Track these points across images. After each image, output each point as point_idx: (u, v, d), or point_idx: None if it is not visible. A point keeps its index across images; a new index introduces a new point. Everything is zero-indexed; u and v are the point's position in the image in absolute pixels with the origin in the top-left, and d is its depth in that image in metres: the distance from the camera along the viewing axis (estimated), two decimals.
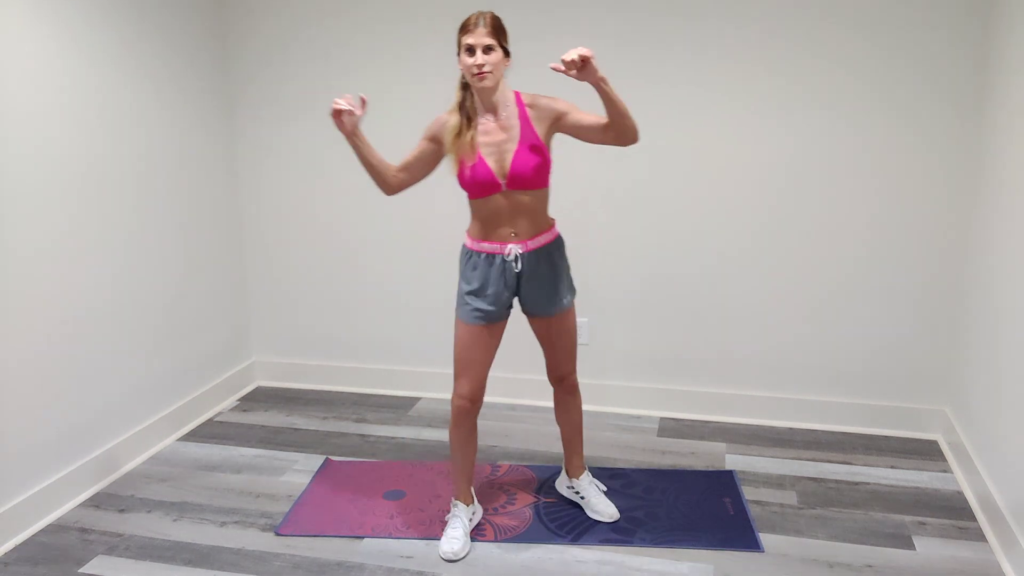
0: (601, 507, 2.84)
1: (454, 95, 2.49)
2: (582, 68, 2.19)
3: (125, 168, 3.24)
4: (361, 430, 3.65)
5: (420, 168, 2.57)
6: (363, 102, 2.43)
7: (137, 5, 3.26)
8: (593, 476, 3.05)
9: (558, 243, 2.63)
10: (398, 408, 3.87)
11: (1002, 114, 2.91)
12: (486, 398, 3.89)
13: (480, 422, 3.65)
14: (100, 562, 2.68)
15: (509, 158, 2.41)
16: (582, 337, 3.74)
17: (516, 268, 2.51)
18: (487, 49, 2.32)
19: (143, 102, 3.32)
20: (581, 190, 3.59)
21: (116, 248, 3.22)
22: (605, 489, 2.97)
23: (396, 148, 2.72)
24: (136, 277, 3.34)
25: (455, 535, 2.67)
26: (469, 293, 2.56)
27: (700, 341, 3.63)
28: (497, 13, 2.42)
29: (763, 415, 3.63)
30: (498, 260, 2.51)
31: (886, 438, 3.47)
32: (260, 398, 4.04)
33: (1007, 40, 2.89)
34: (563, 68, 2.20)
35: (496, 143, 2.42)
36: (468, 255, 2.57)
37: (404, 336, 3.93)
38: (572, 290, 2.69)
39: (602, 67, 3.38)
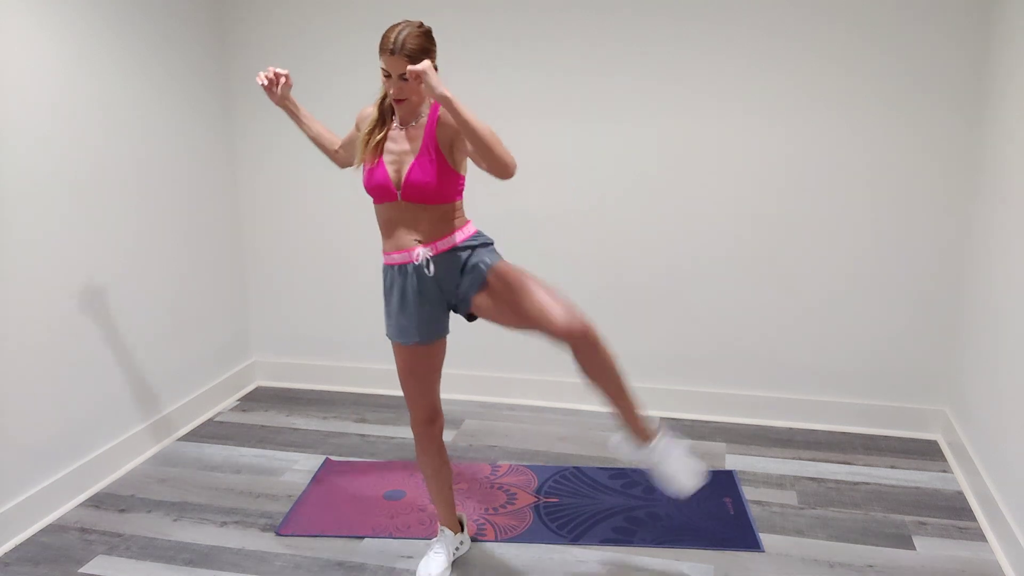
0: (678, 478, 2.33)
1: (379, 90, 2.35)
2: (420, 84, 2.09)
3: (125, 169, 3.24)
4: (361, 430, 3.65)
5: (352, 151, 2.51)
6: (286, 78, 2.45)
7: (137, 6, 3.26)
8: (597, 484, 3.04)
9: (475, 239, 2.36)
10: (398, 408, 3.87)
11: (1002, 114, 2.91)
12: (486, 398, 3.91)
13: (480, 422, 3.67)
14: (100, 562, 2.68)
15: (406, 168, 2.28)
16: None
17: (429, 272, 2.31)
18: (403, 76, 2.16)
19: (143, 102, 3.32)
20: (581, 190, 3.59)
21: (116, 248, 3.22)
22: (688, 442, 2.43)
23: None
24: (136, 277, 3.34)
25: (437, 561, 2.54)
26: (394, 312, 2.40)
27: (700, 341, 3.63)
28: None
29: (763, 415, 3.63)
30: (409, 268, 2.33)
31: (886, 438, 3.47)
32: (260, 398, 4.04)
33: (1007, 40, 2.89)
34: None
35: (400, 152, 2.30)
36: (385, 273, 2.41)
37: None
38: (495, 258, 2.35)
39: (600, 67, 3.44)
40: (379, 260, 3.88)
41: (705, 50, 3.33)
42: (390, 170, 2.30)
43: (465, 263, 2.35)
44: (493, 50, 3.52)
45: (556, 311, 2.22)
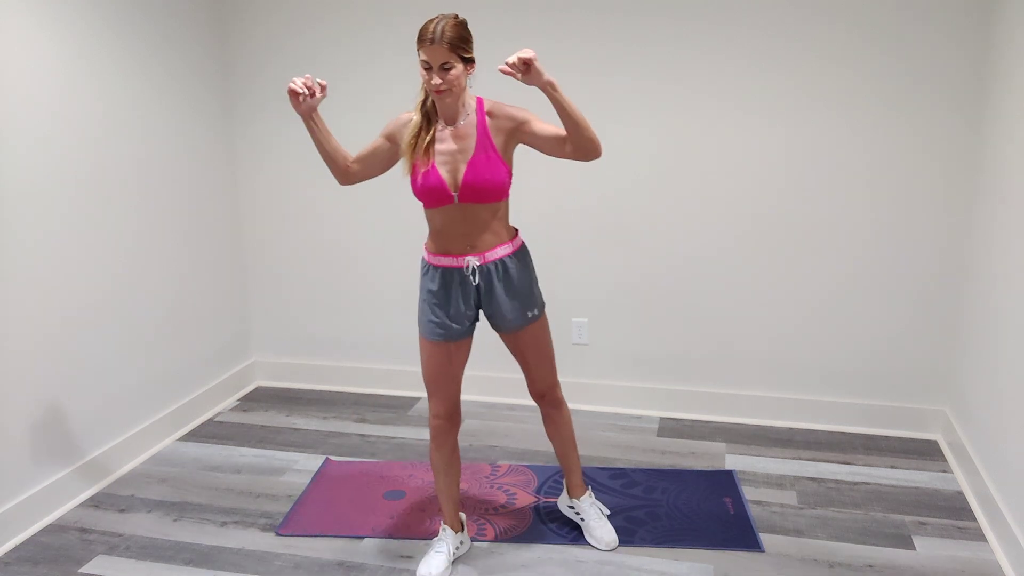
0: (600, 533, 2.70)
1: (418, 94, 2.36)
2: (525, 72, 2.10)
3: (125, 169, 3.24)
4: (361, 430, 3.65)
5: (374, 164, 2.45)
6: (322, 88, 2.30)
7: (137, 6, 3.26)
8: (597, 484, 3.04)
9: (520, 254, 2.47)
10: (398, 408, 3.87)
11: (1002, 114, 2.91)
12: (486, 398, 3.91)
13: (480, 422, 3.68)
14: (100, 562, 2.68)
15: (462, 169, 2.29)
16: (582, 337, 3.74)
17: (474, 282, 2.40)
18: (444, 67, 2.18)
19: (143, 102, 3.32)
20: (580, 189, 3.59)
21: (116, 249, 3.22)
22: (608, 513, 2.83)
23: None
24: (136, 277, 3.34)
25: (437, 560, 2.55)
26: (430, 310, 2.44)
27: (700, 341, 3.64)
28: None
29: (763, 415, 3.63)
30: (456, 274, 2.40)
31: (886, 438, 3.47)
32: (260, 398, 4.04)
33: (1007, 40, 2.89)
34: (511, 71, 2.10)
35: (450, 152, 2.30)
36: (426, 269, 2.45)
37: (404, 336, 3.93)
38: (539, 303, 2.54)
39: (600, 67, 3.44)
40: (379, 259, 3.93)
41: (705, 50, 3.33)
42: (443, 171, 2.30)
43: (509, 282, 2.43)
44: (493, 50, 3.52)
45: (545, 382, 2.64)
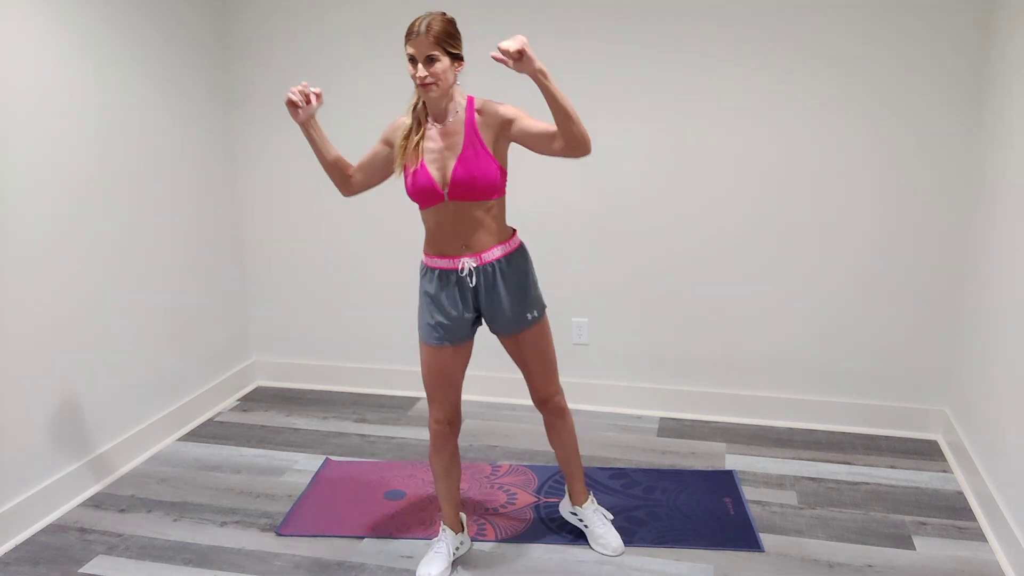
0: (606, 539, 2.67)
1: (411, 98, 2.37)
2: (517, 59, 2.07)
3: (125, 169, 3.24)
4: (361, 430, 3.65)
5: (375, 171, 2.45)
6: (317, 96, 2.31)
7: (137, 6, 3.26)
8: (597, 484, 3.04)
9: (518, 254, 2.45)
10: (398, 408, 3.87)
11: (1002, 114, 2.91)
12: (486, 398, 3.91)
13: (480, 422, 3.67)
14: (100, 562, 2.68)
15: (451, 166, 2.27)
16: (582, 337, 3.74)
17: (471, 283, 2.37)
18: (429, 60, 2.17)
19: (143, 102, 3.32)
20: (580, 190, 3.59)
21: (116, 248, 3.22)
22: (611, 518, 2.79)
23: None
24: (136, 277, 3.34)
25: (437, 561, 2.55)
26: (428, 313, 2.42)
27: (700, 341, 3.64)
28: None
29: (763, 415, 3.63)
30: (453, 276, 2.37)
31: (886, 438, 3.47)
32: (260, 398, 4.05)
33: (1007, 40, 2.89)
34: (502, 57, 2.08)
35: (439, 150, 2.30)
36: (424, 272, 2.43)
37: (403, 336, 3.93)
38: (539, 304, 2.50)
39: (599, 66, 3.45)
40: (379, 260, 3.93)
41: (705, 50, 3.33)
42: (432, 170, 2.30)
43: (507, 283, 2.40)
44: (493, 50, 3.52)
45: (547, 388, 2.58)
